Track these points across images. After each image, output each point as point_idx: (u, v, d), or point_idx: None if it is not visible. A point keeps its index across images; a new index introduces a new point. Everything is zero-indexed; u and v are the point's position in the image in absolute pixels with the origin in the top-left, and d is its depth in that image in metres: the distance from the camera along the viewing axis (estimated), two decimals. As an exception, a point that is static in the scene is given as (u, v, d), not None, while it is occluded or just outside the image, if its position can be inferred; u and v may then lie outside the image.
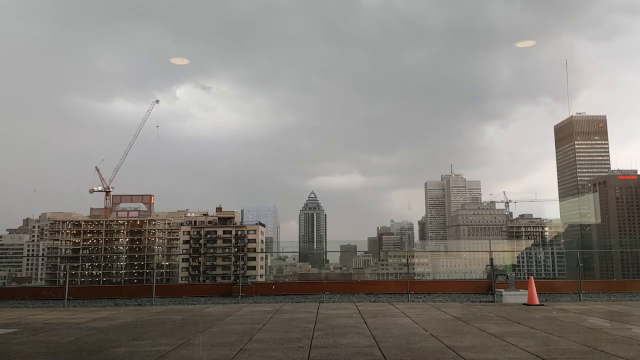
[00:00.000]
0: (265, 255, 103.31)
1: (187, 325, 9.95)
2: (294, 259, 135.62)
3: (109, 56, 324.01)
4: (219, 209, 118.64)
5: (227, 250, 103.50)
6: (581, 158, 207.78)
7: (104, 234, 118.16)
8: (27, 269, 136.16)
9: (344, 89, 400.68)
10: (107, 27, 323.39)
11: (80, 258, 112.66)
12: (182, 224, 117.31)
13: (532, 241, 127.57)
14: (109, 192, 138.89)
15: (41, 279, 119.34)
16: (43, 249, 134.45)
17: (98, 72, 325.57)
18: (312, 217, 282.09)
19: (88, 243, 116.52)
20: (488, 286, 14.42)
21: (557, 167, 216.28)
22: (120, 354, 7.07)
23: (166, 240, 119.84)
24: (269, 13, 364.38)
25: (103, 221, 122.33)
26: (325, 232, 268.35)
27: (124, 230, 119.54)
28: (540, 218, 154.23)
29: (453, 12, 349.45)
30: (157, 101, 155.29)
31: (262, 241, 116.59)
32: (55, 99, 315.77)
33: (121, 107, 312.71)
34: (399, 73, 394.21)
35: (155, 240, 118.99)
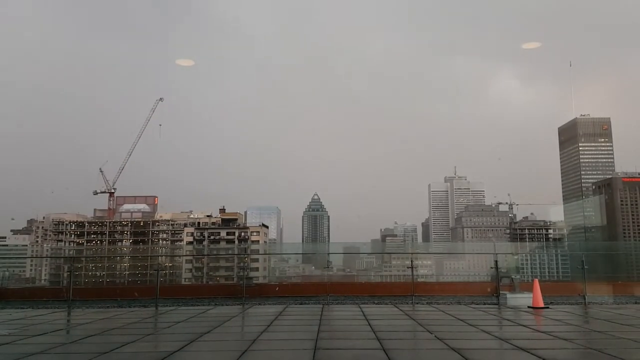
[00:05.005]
0: (269, 257, 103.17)
1: (191, 326, 9.96)
2: (297, 260, 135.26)
3: (112, 55, 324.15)
4: (222, 210, 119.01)
5: (230, 252, 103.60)
6: (585, 160, 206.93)
7: (107, 235, 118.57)
8: (31, 270, 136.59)
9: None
10: (111, 27, 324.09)
11: (84, 259, 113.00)
12: (185, 225, 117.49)
13: (537, 243, 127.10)
14: (113, 193, 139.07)
15: (45, 280, 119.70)
16: (47, 250, 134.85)
17: (100, 73, 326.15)
18: (315, 218, 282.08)
19: (92, 244, 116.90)
20: (493, 288, 14.35)
21: (561, 169, 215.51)
22: (126, 354, 7.07)
23: (170, 242, 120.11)
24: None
25: (107, 222, 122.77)
26: (329, 233, 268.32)
27: (127, 231, 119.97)
28: (544, 220, 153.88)
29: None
30: (161, 99, 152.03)
31: (265, 242, 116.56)
32: (57, 99, 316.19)
33: (125, 106, 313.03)
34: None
35: (158, 241, 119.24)
